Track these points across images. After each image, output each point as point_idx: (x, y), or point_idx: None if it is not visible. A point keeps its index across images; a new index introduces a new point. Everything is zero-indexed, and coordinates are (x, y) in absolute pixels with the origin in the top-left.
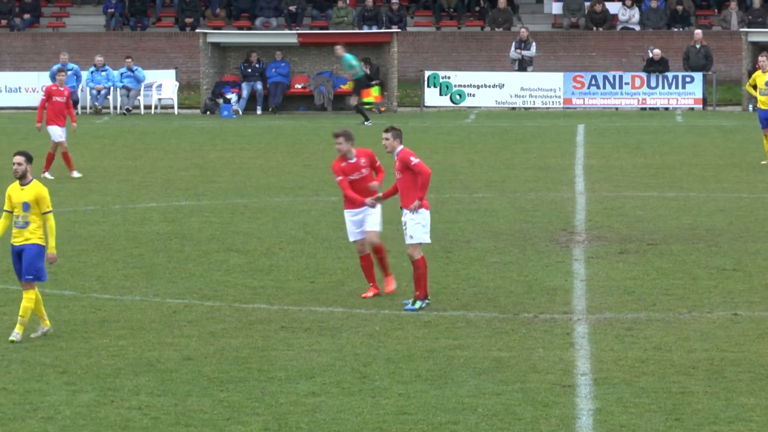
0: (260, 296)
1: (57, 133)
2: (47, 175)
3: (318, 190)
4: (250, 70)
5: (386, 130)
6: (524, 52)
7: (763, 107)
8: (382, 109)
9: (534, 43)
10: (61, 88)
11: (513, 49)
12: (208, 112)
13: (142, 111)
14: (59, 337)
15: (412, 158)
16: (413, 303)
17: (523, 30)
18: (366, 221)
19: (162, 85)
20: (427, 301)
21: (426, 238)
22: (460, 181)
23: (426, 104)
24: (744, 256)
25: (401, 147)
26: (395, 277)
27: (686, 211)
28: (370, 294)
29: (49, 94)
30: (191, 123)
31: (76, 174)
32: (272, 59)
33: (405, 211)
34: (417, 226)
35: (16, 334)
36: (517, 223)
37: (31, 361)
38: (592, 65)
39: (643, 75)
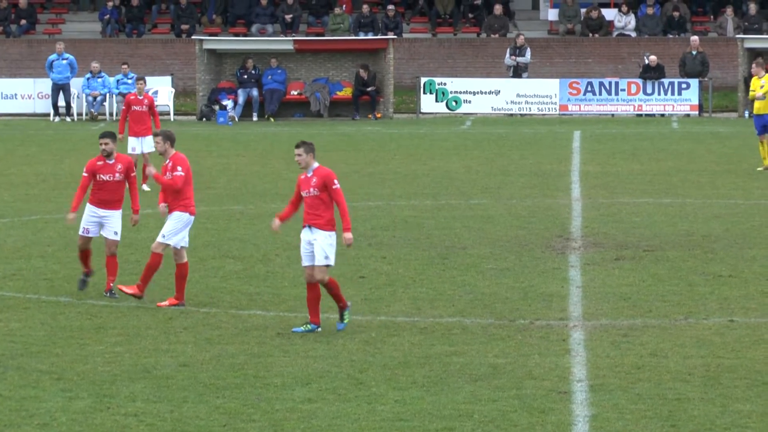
0: (256, 303)
1: (130, 144)
2: (145, 187)
3: None
4: (246, 77)
5: (297, 146)
6: (519, 59)
7: (758, 113)
8: (378, 115)
9: (528, 49)
10: (140, 97)
11: (508, 55)
12: (204, 119)
13: None
14: (55, 343)
15: (335, 182)
16: (342, 320)
17: (521, 36)
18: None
19: (158, 91)
20: (316, 327)
21: (333, 260)
22: (457, 187)
23: (422, 111)
24: (740, 263)
25: (317, 164)
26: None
27: (682, 218)
28: (128, 290)
29: (128, 104)
30: (187, 129)
31: (145, 187)
32: (268, 66)
33: (314, 229)
34: (330, 248)
35: None
36: (513, 230)
37: (26, 367)
38: (588, 72)
39: (639, 81)
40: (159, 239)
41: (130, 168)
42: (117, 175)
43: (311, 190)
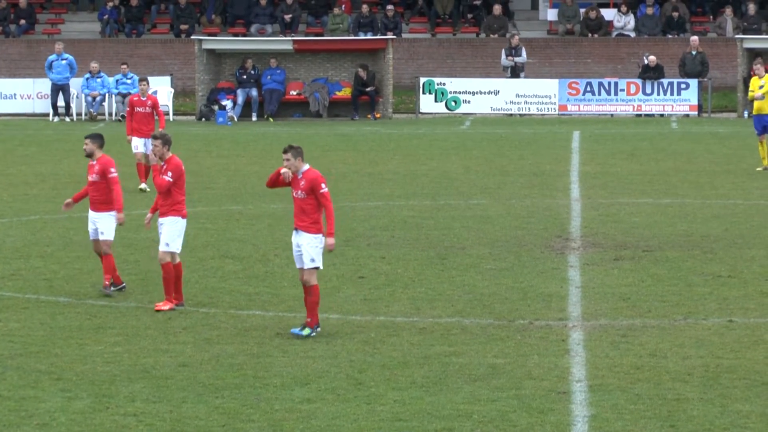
0: (255, 303)
1: (133, 143)
2: (144, 186)
3: None
4: (245, 77)
5: (285, 150)
6: (516, 59)
7: (757, 113)
8: (377, 115)
9: (524, 49)
10: (143, 98)
11: (504, 56)
12: (203, 119)
13: None
14: (54, 343)
15: (323, 185)
16: (302, 329)
17: (515, 37)
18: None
19: (157, 91)
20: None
21: (321, 263)
22: (456, 187)
23: (421, 111)
24: (739, 263)
25: (307, 167)
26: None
27: (681, 218)
28: (165, 307)
29: (131, 106)
30: (186, 130)
31: (144, 186)
32: (267, 66)
33: (300, 232)
34: (315, 250)
35: None
36: (512, 230)
37: (26, 367)
38: (588, 72)
39: (639, 81)
40: (163, 249)
41: (106, 170)
42: (94, 176)
43: (299, 192)
